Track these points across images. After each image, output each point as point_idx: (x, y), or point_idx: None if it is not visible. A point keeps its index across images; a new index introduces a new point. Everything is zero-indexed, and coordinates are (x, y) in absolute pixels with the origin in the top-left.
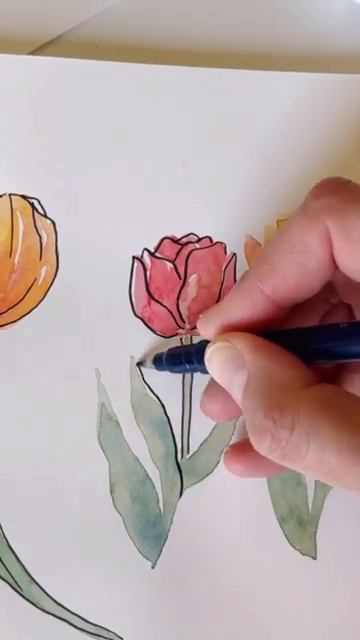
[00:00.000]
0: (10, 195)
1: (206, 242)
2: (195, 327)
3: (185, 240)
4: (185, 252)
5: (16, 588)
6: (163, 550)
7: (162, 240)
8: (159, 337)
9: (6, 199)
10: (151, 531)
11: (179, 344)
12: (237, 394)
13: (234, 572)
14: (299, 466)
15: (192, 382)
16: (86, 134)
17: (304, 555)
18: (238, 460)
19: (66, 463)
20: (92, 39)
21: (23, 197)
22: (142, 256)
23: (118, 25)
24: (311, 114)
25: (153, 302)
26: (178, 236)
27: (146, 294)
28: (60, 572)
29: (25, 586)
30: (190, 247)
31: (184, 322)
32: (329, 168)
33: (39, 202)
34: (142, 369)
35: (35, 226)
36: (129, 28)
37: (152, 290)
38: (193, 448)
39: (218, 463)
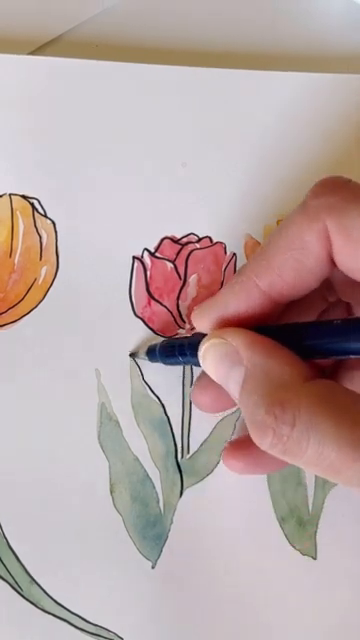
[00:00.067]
0: (10, 195)
1: (206, 242)
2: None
3: (185, 240)
4: (185, 252)
5: (16, 588)
6: (163, 550)
7: (162, 240)
8: (159, 337)
9: (6, 199)
10: (151, 531)
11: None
12: (234, 390)
13: (234, 572)
14: (300, 461)
15: (192, 382)
16: (86, 134)
17: (304, 555)
18: (237, 457)
19: (66, 463)
20: (92, 39)
21: (23, 197)
22: (142, 256)
23: (118, 25)
24: (311, 114)
25: (153, 302)
26: (178, 236)
27: (146, 294)
28: (60, 572)
29: (25, 586)
30: (190, 247)
31: (184, 322)
32: (329, 168)
33: (39, 202)
34: (138, 363)
35: (35, 226)
36: (129, 28)
37: (152, 290)
38: (193, 448)
39: (218, 463)
